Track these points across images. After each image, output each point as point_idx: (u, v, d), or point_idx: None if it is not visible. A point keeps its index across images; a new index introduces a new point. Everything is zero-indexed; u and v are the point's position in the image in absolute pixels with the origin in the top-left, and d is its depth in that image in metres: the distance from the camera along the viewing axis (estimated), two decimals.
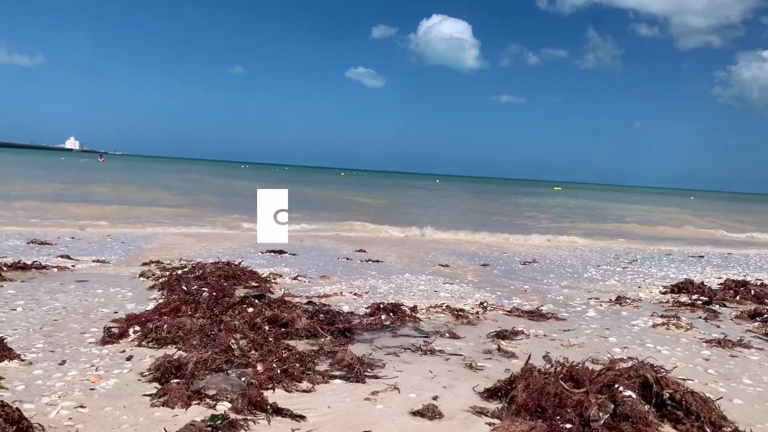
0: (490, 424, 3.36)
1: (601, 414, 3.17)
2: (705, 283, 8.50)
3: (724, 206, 58.09)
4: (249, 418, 3.28)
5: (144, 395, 3.53)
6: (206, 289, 6.19)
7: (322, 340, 4.91)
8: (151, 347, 4.50)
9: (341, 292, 7.22)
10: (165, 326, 4.73)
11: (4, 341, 4.20)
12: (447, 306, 6.50)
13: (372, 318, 5.77)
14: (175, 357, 3.99)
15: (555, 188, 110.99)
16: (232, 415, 3.27)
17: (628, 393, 3.32)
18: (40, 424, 2.99)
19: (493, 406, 3.59)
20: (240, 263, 8.00)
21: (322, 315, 5.50)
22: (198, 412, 3.30)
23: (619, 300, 7.40)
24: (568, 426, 3.16)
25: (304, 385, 3.86)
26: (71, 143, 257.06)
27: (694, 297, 7.73)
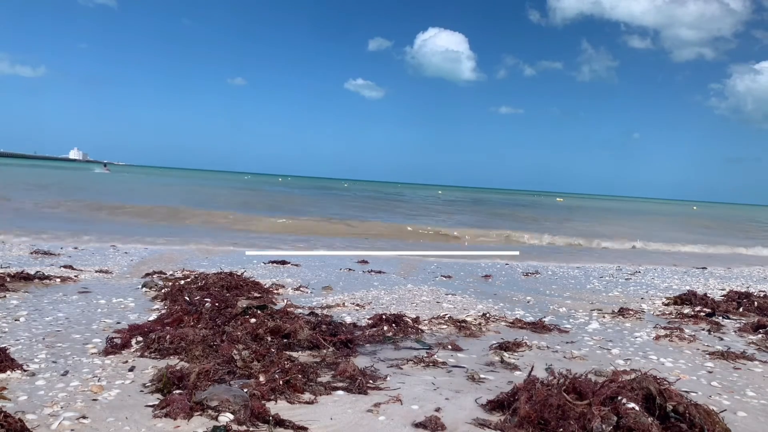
0: None
1: (604, 426, 3.16)
2: (708, 295, 8.47)
3: (729, 217, 57.85)
4: (251, 429, 3.27)
5: (146, 406, 3.53)
6: (209, 300, 6.19)
7: (325, 351, 4.90)
8: (153, 358, 4.50)
9: (343, 303, 7.21)
10: (167, 337, 4.73)
11: (7, 352, 4.21)
12: (450, 317, 6.48)
13: (374, 329, 5.75)
14: (178, 368, 3.99)
15: (557, 199, 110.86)
16: (234, 427, 3.26)
17: (632, 405, 3.30)
18: None
19: (496, 418, 3.58)
20: (242, 273, 8.01)
21: (324, 326, 5.48)
22: (200, 423, 3.30)
23: (622, 312, 7.37)
24: None
25: (306, 396, 3.85)
26: (74, 153, 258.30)
27: (697, 309, 7.69)
